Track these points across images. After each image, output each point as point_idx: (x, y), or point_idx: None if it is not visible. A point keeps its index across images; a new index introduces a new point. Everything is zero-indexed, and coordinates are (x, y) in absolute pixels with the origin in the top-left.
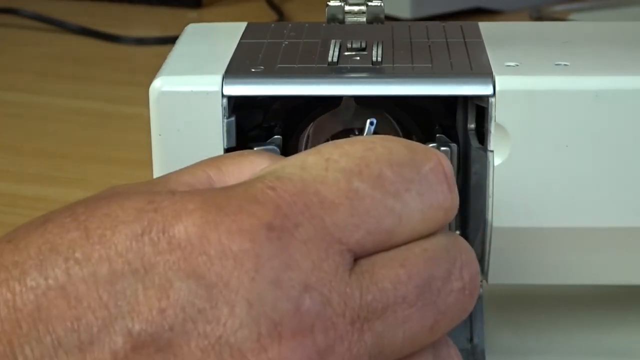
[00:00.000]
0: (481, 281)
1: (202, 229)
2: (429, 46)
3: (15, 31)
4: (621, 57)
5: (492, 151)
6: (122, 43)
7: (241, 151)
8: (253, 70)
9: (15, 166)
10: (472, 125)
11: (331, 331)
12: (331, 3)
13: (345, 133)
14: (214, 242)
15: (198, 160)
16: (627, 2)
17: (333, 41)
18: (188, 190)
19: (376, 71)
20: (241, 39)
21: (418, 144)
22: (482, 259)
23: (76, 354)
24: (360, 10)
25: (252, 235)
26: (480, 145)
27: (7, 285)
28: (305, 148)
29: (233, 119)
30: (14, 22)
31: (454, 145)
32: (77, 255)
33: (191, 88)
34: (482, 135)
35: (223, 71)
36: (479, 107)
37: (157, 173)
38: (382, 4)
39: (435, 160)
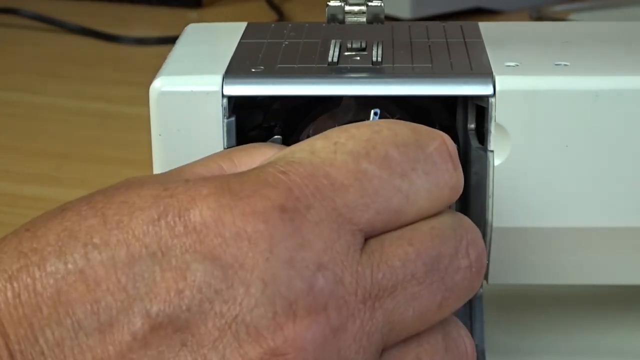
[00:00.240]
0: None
1: (216, 212)
2: (429, 46)
3: (15, 31)
4: (621, 57)
5: (492, 151)
6: (122, 43)
7: (252, 144)
8: (253, 70)
9: (15, 166)
10: (472, 125)
11: (344, 309)
12: (331, 3)
13: None
14: (229, 225)
15: None
16: (627, 2)
17: (333, 41)
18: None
19: (376, 71)
20: (241, 39)
21: (422, 125)
22: None
23: (96, 335)
24: (360, 10)
25: (266, 217)
26: (480, 145)
27: (27, 271)
28: None
29: (233, 119)
30: (14, 22)
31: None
32: (95, 240)
33: (191, 88)
34: (482, 135)
35: (223, 71)
36: (479, 107)
37: (157, 173)
38: (382, 4)
39: (439, 140)
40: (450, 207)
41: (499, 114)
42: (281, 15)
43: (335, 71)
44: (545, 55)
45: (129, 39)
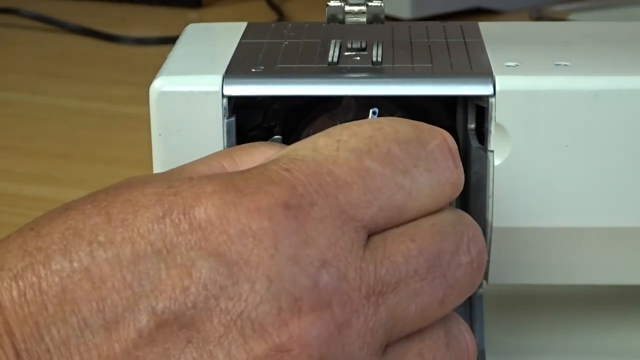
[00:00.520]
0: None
1: (221, 209)
2: (429, 46)
3: (15, 31)
4: (621, 57)
5: (492, 151)
6: (122, 43)
7: (253, 142)
8: (253, 70)
9: (15, 166)
10: (472, 125)
11: (348, 305)
12: (331, 3)
13: None
14: (234, 222)
15: None
16: (627, 2)
17: (333, 41)
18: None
19: (376, 71)
20: (241, 39)
21: (423, 123)
22: None
23: (102, 333)
24: (360, 10)
25: (270, 214)
26: (480, 145)
27: (32, 270)
28: None
29: (233, 119)
30: (14, 22)
31: None
32: (100, 238)
33: (191, 88)
34: (482, 135)
35: (223, 71)
36: (479, 107)
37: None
38: (382, 4)
39: (440, 137)
40: (450, 204)
41: (499, 114)
42: (281, 15)
43: (335, 71)
44: (545, 55)
45: (129, 39)
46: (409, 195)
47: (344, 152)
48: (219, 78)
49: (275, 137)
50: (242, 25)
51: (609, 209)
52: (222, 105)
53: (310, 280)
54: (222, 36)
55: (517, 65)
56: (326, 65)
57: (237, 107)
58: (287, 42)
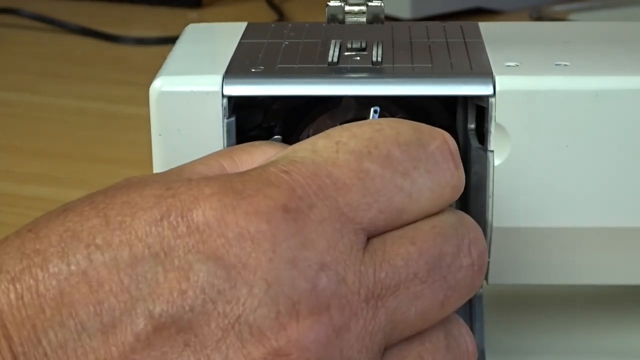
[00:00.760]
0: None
1: (219, 212)
2: (429, 46)
3: (15, 31)
4: (621, 57)
5: (492, 151)
6: (122, 43)
7: (253, 142)
8: (253, 70)
9: (15, 166)
10: (472, 125)
11: (347, 309)
12: (331, 3)
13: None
14: (232, 225)
15: None
16: (627, 2)
17: (333, 41)
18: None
19: (376, 71)
20: (241, 39)
21: (423, 124)
22: None
23: (99, 337)
24: (360, 10)
25: (269, 217)
26: (480, 145)
27: (30, 272)
28: None
29: (233, 119)
30: (14, 22)
31: None
32: (98, 241)
33: (191, 88)
34: (482, 135)
35: (223, 71)
36: (479, 107)
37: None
38: (382, 4)
39: (440, 138)
40: (450, 206)
41: (499, 114)
42: (281, 15)
43: (335, 71)
44: (545, 55)
45: (129, 39)
46: (409, 197)
47: (343, 154)
48: (219, 78)
49: (275, 137)
50: (242, 25)
51: (609, 209)
52: (222, 105)
53: (309, 283)
54: (222, 36)
55: (517, 65)
56: (326, 65)
57: (237, 107)
58: (287, 42)
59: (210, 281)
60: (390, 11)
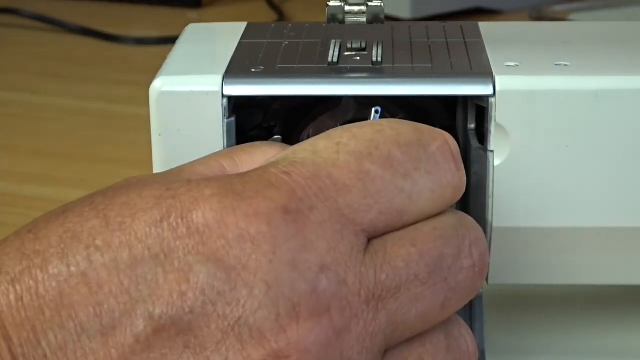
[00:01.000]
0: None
1: (219, 213)
2: (429, 46)
3: (15, 31)
4: (621, 57)
5: (492, 151)
6: (122, 43)
7: (253, 142)
8: (253, 70)
9: (15, 166)
10: (472, 125)
11: (347, 310)
12: (331, 3)
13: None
14: (232, 226)
15: None
16: (627, 2)
17: (333, 41)
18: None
19: (376, 71)
20: (241, 39)
21: (424, 125)
22: None
23: (99, 338)
24: (360, 10)
25: (269, 218)
26: (480, 145)
27: (30, 273)
28: None
29: (233, 119)
30: (14, 22)
31: None
32: (98, 242)
33: (191, 88)
34: (482, 135)
35: (223, 71)
36: (479, 107)
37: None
38: (382, 4)
39: (441, 139)
40: (451, 206)
41: (499, 114)
42: (281, 15)
43: (335, 71)
44: (545, 55)
45: (129, 39)
46: (410, 198)
47: (343, 155)
48: (219, 78)
49: (275, 137)
50: (242, 25)
51: (609, 209)
52: (222, 105)
53: (309, 285)
54: (222, 36)
55: (517, 65)
56: (326, 65)
57: (237, 107)
58: (287, 42)
59: (210, 283)
60: (390, 11)
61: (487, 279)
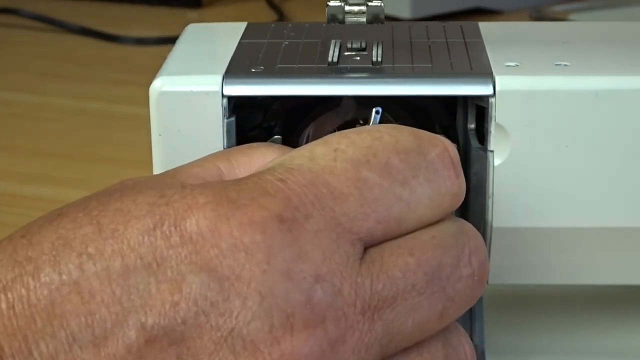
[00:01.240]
0: None
1: (213, 222)
2: (429, 46)
3: (15, 31)
4: (621, 57)
5: (492, 151)
6: (122, 43)
7: (250, 144)
8: (253, 70)
9: (15, 166)
10: (472, 125)
11: (342, 321)
12: (331, 3)
13: (351, 124)
14: (226, 235)
15: None
16: (627, 2)
17: (333, 41)
18: (199, 183)
19: (376, 71)
20: (241, 39)
21: (424, 131)
22: None
23: (90, 348)
24: (360, 10)
25: (264, 228)
26: (480, 145)
27: (22, 281)
28: None
29: (233, 119)
30: (14, 22)
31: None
32: (90, 250)
33: (191, 88)
34: (482, 135)
35: (223, 71)
36: (479, 107)
37: (157, 173)
38: (382, 4)
39: (441, 146)
40: (451, 213)
41: (499, 114)
42: (281, 15)
43: (335, 71)
44: (545, 55)
45: (129, 39)
46: (408, 206)
47: (341, 163)
48: (219, 78)
49: (275, 137)
50: (242, 25)
51: (609, 209)
52: (222, 105)
53: (304, 295)
54: (222, 36)
55: (517, 65)
56: (326, 65)
57: (237, 107)
58: (287, 42)
59: (203, 293)
60: (390, 11)
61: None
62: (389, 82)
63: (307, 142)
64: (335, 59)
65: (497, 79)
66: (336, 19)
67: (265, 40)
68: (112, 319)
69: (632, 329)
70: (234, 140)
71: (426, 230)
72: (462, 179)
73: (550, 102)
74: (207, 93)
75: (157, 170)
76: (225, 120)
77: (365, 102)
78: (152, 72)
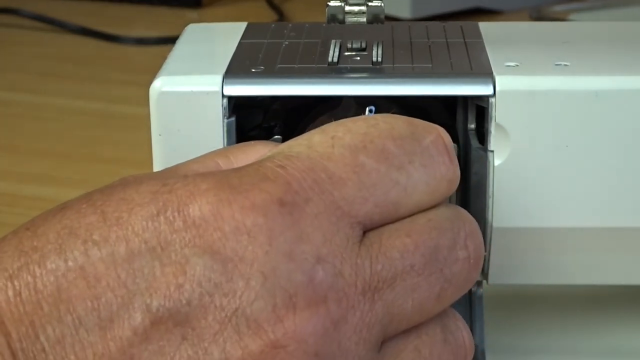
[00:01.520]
0: (481, 281)
1: (215, 206)
2: (429, 46)
3: (15, 31)
4: (621, 57)
5: (492, 151)
6: (122, 43)
7: (248, 142)
8: (253, 70)
9: (15, 166)
10: (472, 125)
11: (344, 301)
12: (331, 3)
13: None
14: (228, 219)
15: None
16: (627, 2)
17: (333, 41)
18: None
19: (376, 71)
20: (241, 39)
21: (418, 119)
22: None
23: (97, 331)
24: (360, 10)
25: (265, 211)
26: (480, 145)
27: (28, 269)
28: None
29: (233, 119)
30: (14, 22)
31: (454, 146)
32: (95, 237)
33: (191, 88)
34: (482, 135)
35: (223, 71)
36: (479, 107)
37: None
38: (382, 4)
39: (435, 133)
40: (447, 200)
41: (499, 114)
42: (281, 15)
43: (335, 71)
44: (545, 55)
45: (129, 39)
46: (405, 191)
47: (338, 149)
48: (219, 78)
49: (275, 137)
50: (242, 25)
51: (609, 209)
52: (222, 105)
53: (306, 276)
54: (222, 36)
55: (517, 65)
56: (326, 65)
57: (237, 107)
58: (287, 42)
59: (207, 275)
60: (390, 11)
61: (487, 279)
62: (389, 82)
63: None
64: (335, 59)
65: (497, 79)
66: (336, 19)
67: (265, 40)
68: (118, 302)
69: (632, 329)
70: (234, 140)
71: (423, 214)
72: (456, 165)
73: (550, 102)
74: (207, 93)
75: (157, 170)
76: (226, 120)
77: (365, 102)
78: (152, 72)
